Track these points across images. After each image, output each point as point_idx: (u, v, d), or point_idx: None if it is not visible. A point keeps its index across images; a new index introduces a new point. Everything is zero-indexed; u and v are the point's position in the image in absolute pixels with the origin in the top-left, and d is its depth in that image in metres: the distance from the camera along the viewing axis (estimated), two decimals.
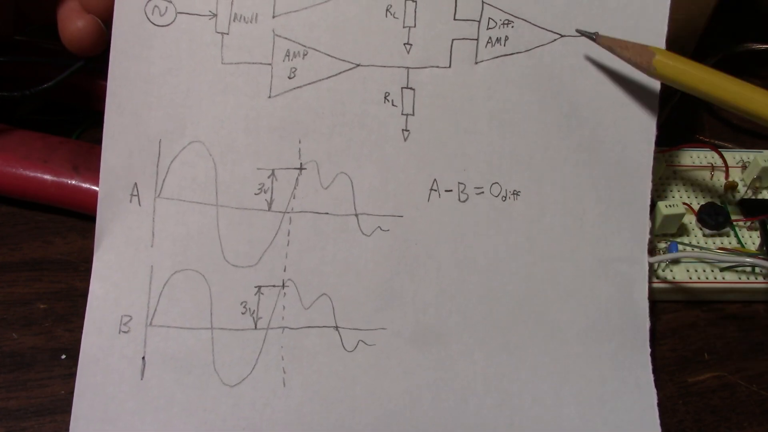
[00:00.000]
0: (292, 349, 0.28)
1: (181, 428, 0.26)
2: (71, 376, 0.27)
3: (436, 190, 0.29)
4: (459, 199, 0.29)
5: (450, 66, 0.29)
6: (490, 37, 0.29)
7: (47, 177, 0.30)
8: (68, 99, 0.35)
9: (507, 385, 0.28)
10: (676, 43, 0.29)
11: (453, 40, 0.29)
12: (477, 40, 0.29)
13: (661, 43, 0.29)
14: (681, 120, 0.28)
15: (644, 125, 0.29)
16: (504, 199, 0.29)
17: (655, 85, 0.29)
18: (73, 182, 0.30)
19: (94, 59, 0.27)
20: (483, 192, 0.29)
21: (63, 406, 0.27)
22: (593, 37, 0.27)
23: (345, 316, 0.28)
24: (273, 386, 0.27)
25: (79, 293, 0.27)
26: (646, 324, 0.29)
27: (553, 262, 0.29)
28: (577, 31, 0.28)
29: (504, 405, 0.27)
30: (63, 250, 0.31)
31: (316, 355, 0.28)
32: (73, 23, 0.28)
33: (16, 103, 0.35)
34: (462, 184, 0.29)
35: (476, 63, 0.29)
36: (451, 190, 0.29)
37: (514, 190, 0.29)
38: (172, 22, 0.28)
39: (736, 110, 0.26)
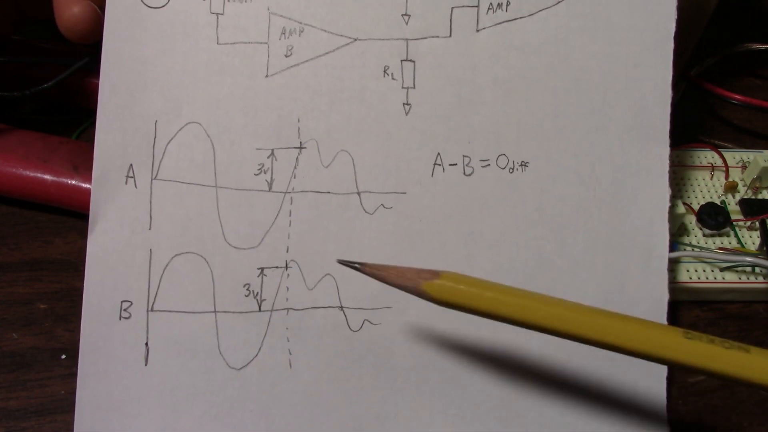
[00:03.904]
0: (298, 330, 0.27)
1: (188, 412, 0.26)
2: (71, 376, 0.27)
3: (440, 165, 0.28)
4: (464, 173, 0.28)
5: (450, 35, 0.28)
6: (491, 3, 0.28)
7: (47, 177, 0.30)
8: (68, 99, 0.35)
9: (516, 360, 0.27)
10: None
11: (452, 8, 0.28)
12: (477, 6, 0.28)
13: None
14: (681, 120, 0.28)
15: (658, 86, 0.28)
16: (511, 170, 0.28)
17: (668, 42, 0.27)
18: (73, 182, 0.30)
19: (97, 58, 0.27)
20: (489, 164, 0.28)
21: (63, 406, 0.27)
22: (357, 267, 0.23)
23: (349, 295, 0.27)
24: (279, 368, 0.27)
25: (79, 293, 0.27)
26: (665, 296, 0.27)
27: (565, 233, 0.28)
28: (339, 261, 0.24)
29: (513, 380, 0.26)
30: (63, 250, 0.31)
31: (321, 336, 0.27)
32: (70, 9, 0.28)
33: (16, 103, 0.35)
34: (467, 157, 0.28)
35: (478, 31, 0.28)
36: (455, 164, 0.28)
37: (522, 161, 0.28)
38: (166, 4, 0.28)
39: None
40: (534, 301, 0.22)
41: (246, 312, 0.27)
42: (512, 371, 0.27)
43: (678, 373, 0.29)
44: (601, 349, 0.27)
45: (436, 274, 0.22)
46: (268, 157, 0.28)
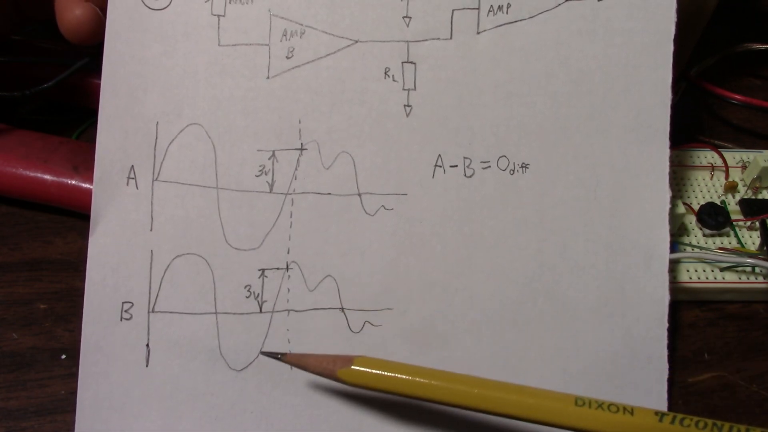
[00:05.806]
0: (298, 331, 0.27)
1: (189, 414, 0.26)
2: (71, 376, 0.27)
3: (440, 166, 0.28)
4: (465, 175, 0.28)
5: (451, 37, 0.28)
6: (491, 5, 0.28)
7: (47, 177, 0.30)
8: (68, 99, 0.35)
9: (515, 362, 0.27)
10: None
11: (453, 10, 0.28)
12: (478, 9, 0.28)
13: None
14: (681, 120, 0.28)
15: (658, 88, 0.28)
16: (512, 172, 0.28)
17: (668, 44, 0.27)
18: (73, 182, 0.30)
19: (97, 58, 0.27)
20: (490, 166, 0.28)
21: (63, 406, 0.27)
22: (279, 357, 0.25)
23: (350, 297, 0.27)
24: (280, 369, 0.27)
25: (79, 293, 0.27)
26: (666, 297, 0.27)
27: (565, 235, 0.28)
28: (262, 353, 0.26)
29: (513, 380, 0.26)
30: (63, 250, 0.31)
31: (322, 337, 0.27)
32: (72, 11, 0.28)
33: (16, 103, 0.35)
34: (468, 158, 0.28)
35: (478, 33, 0.28)
36: (456, 166, 0.28)
37: (523, 163, 0.28)
38: (167, 6, 0.28)
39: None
40: (439, 380, 0.23)
41: (247, 313, 0.27)
42: (512, 372, 0.27)
43: (678, 374, 0.29)
44: (600, 351, 0.27)
45: (349, 360, 0.24)
46: (269, 159, 0.28)
